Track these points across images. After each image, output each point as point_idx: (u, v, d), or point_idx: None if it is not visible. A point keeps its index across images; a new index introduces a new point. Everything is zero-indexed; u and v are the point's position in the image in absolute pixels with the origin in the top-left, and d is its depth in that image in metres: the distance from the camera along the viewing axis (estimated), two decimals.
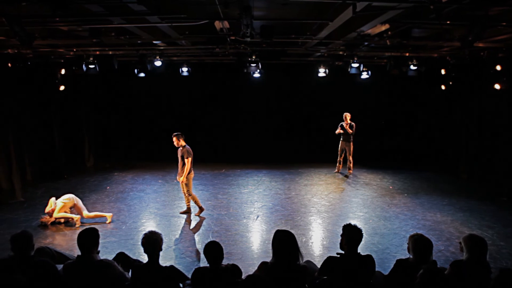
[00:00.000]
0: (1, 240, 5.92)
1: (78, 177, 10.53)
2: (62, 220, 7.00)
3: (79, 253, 3.54)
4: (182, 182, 7.35)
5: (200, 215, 7.51)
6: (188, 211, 7.61)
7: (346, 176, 10.85)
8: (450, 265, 3.46)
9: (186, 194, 7.47)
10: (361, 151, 11.70)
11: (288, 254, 3.50)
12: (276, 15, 5.94)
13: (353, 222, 3.70)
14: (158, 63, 9.09)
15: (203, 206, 7.58)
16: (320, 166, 11.78)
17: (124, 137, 13.18)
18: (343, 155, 11.06)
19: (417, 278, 3.19)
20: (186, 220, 7.35)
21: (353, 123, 10.77)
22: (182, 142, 7.34)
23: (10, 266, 3.39)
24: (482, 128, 10.04)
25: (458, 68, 9.54)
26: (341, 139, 10.93)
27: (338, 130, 10.84)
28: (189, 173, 7.31)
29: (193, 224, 7.19)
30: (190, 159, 7.25)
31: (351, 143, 10.80)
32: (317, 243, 6.47)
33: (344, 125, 10.71)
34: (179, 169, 7.42)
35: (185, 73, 10.50)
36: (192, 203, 7.62)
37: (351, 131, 10.66)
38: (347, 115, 10.84)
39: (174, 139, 7.36)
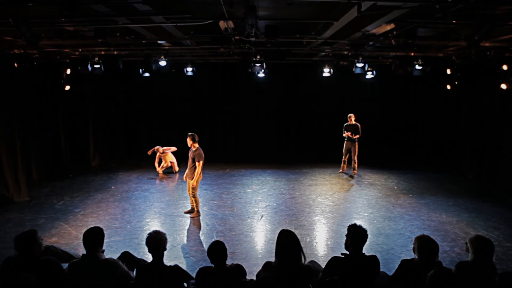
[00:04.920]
0: (8, 238, 5.97)
1: (83, 176, 10.59)
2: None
3: (84, 252, 3.56)
4: (191, 184, 7.33)
5: (196, 216, 7.47)
6: (192, 211, 7.62)
7: (351, 176, 10.82)
8: (455, 266, 3.44)
9: (191, 195, 7.49)
10: (366, 151, 11.67)
11: (291, 254, 3.50)
12: (281, 15, 5.93)
13: (358, 223, 3.70)
14: (162, 63, 9.12)
15: (200, 211, 7.58)
16: (325, 166, 11.76)
17: (129, 137, 13.25)
18: (347, 155, 11.03)
19: (427, 277, 3.16)
20: (190, 220, 7.37)
21: (358, 124, 10.72)
22: (195, 144, 7.27)
23: (17, 264, 3.42)
24: (488, 128, 9.97)
25: (464, 68, 9.48)
26: (346, 139, 10.90)
27: (345, 134, 10.80)
28: None
29: (197, 224, 7.20)
30: (201, 162, 7.18)
31: (356, 144, 10.76)
32: (322, 243, 6.46)
33: (348, 129, 10.71)
34: (187, 169, 7.42)
35: (190, 73, 10.51)
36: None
37: (354, 137, 10.63)
38: (352, 116, 10.79)
39: (188, 139, 7.27)
